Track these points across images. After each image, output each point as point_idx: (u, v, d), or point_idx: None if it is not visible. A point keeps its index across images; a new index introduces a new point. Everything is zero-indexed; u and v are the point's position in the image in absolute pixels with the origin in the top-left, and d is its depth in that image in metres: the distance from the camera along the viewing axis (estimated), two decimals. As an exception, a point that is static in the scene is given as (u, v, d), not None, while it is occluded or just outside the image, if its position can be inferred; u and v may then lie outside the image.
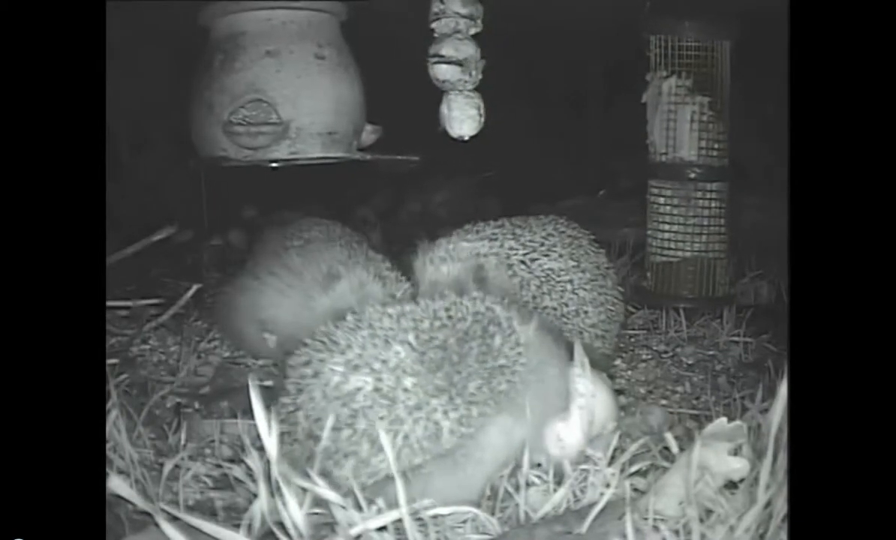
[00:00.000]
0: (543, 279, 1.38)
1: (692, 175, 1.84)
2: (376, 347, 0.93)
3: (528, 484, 0.95)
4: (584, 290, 1.39)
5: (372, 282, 1.38)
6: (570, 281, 1.39)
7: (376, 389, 0.90)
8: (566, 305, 1.38)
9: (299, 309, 1.37)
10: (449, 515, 0.89)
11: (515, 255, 1.39)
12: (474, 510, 0.90)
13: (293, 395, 0.94)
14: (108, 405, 1.04)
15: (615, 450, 1.01)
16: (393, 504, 0.83)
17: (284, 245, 1.49)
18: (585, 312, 1.38)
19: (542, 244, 1.40)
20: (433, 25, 1.72)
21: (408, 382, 0.90)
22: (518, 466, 0.94)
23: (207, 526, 0.81)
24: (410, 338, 0.94)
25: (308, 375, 0.94)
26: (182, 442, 1.10)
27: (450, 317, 0.97)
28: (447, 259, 1.40)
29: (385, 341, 0.93)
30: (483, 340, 0.95)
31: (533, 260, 1.39)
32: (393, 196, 3.03)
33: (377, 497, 0.85)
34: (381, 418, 0.89)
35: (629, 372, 1.53)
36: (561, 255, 1.40)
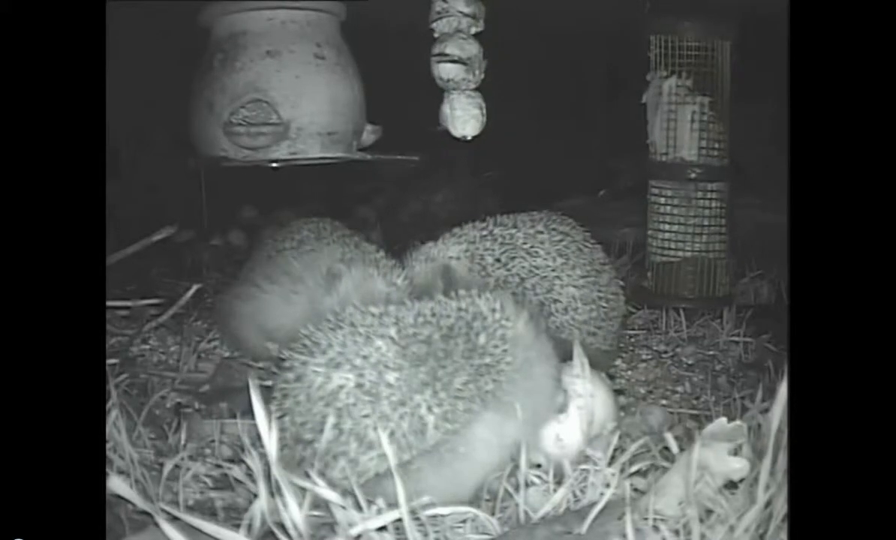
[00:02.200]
0: (524, 276, 1.38)
1: (693, 175, 1.84)
2: (357, 343, 0.93)
3: (528, 484, 0.95)
4: (575, 287, 1.39)
5: (373, 275, 1.37)
6: (559, 278, 1.38)
7: (358, 386, 0.90)
8: (556, 301, 1.38)
9: (306, 315, 1.36)
10: (448, 515, 0.89)
11: (491, 254, 1.40)
12: (474, 510, 0.90)
13: (279, 401, 0.94)
14: (108, 405, 1.04)
15: (615, 450, 1.01)
16: (391, 503, 0.83)
17: (277, 248, 1.48)
18: (575, 309, 1.38)
19: (525, 243, 1.40)
20: (433, 25, 1.72)
21: (390, 377, 0.90)
22: (517, 466, 0.94)
23: (207, 526, 0.81)
24: (392, 332, 0.93)
25: (291, 379, 0.94)
26: (182, 442, 1.10)
27: (434, 314, 0.97)
28: (422, 261, 1.41)
29: (366, 337, 0.93)
30: (468, 337, 0.95)
31: (512, 258, 1.39)
32: (393, 196, 3.03)
33: (369, 496, 0.85)
34: (366, 416, 0.89)
35: (629, 372, 1.53)
36: (548, 253, 1.39)
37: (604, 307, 1.42)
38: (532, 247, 1.40)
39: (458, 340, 0.94)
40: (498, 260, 1.39)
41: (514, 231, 1.42)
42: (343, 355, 0.92)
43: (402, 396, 0.90)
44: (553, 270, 1.39)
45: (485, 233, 1.43)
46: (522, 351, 0.97)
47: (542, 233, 1.42)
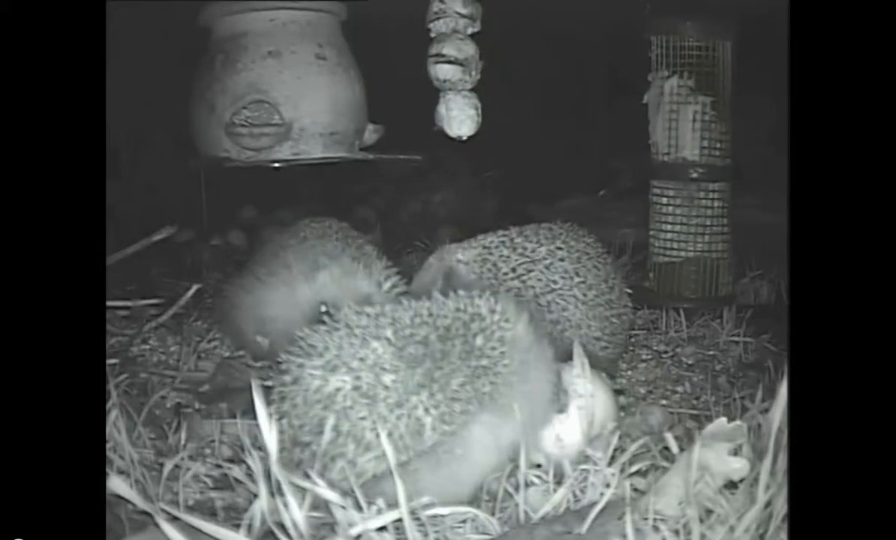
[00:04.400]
0: (539, 292, 1.35)
1: (694, 175, 1.84)
2: (353, 345, 0.92)
3: (528, 484, 0.95)
4: (588, 305, 1.36)
5: (357, 272, 1.37)
6: (575, 296, 1.36)
7: (355, 388, 0.90)
8: (569, 320, 1.35)
9: (288, 303, 1.37)
10: (448, 515, 0.89)
11: (506, 263, 1.37)
12: (474, 510, 0.90)
13: (277, 403, 0.94)
14: (108, 405, 1.04)
15: (615, 450, 1.01)
16: (391, 504, 0.83)
17: (282, 245, 1.48)
18: (589, 326, 1.36)
19: (547, 258, 1.37)
20: (430, 25, 1.73)
21: (387, 378, 0.90)
22: (517, 467, 0.94)
23: (207, 526, 0.81)
24: (388, 333, 0.93)
25: (288, 382, 0.93)
26: (182, 442, 1.10)
27: (431, 314, 0.96)
28: (433, 263, 1.40)
29: (362, 339, 0.93)
30: (465, 339, 0.94)
31: (529, 271, 1.36)
32: (393, 196, 3.04)
33: (368, 497, 0.85)
34: (363, 418, 0.88)
35: (629, 372, 1.52)
36: (566, 271, 1.37)
37: (615, 322, 1.40)
38: (551, 263, 1.37)
39: (455, 341, 0.94)
40: (513, 270, 1.36)
41: (535, 244, 1.38)
42: (339, 358, 0.92)
43: (399, 398, 0.89)
44: (570, 289, 1.36)
45: (504, 240, 1.40)
46: (520, 353, 0.97)
47: (561, 249, 1.39)
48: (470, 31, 1.72)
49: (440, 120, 1.75)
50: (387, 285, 1.37)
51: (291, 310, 1.34)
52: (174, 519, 0.81)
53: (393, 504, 0.82)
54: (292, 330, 1.00)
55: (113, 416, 1.03)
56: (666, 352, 1.64)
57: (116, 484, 0.83)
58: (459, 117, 1.72)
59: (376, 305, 0.99)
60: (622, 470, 0.96)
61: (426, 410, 0.90)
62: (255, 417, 0.86)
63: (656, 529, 0.82)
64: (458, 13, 1.69)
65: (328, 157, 1.91)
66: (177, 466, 1.01)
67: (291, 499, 0.82)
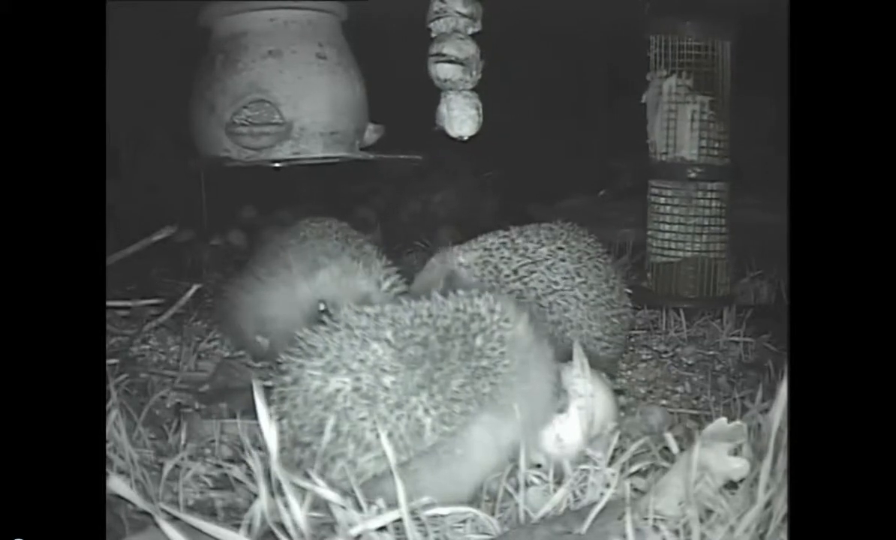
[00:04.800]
0: (541, 293, 1.35)
1: (693, 175, 1.84)
2: (353, 347, 0.92)
3: (528, 484, 0.95)
4: (589, 305, 1.36)
5: (356, 270, 1.37)
6: (576, 297, 1.36)
7: (355, 389, 0.90)
8: (570, 321, 1.35)
9: (288, 303, 1.37)
10: (448, 515, 0.89)
11: (507, 265, 1.37)
12: (474, 510, 0.90)
13: (277, 404, 0.94)
14: (108, 405, 1.04)
15: (615, 450, 1.01)
16: (391, 504, 0.83)
17: (282, 245, 1.49)
18: (590, 326, 1.36)
19: (548, 258, 1.36)
20: (431, 24, 1.73)
21: (387, 380, 0.90)
22: (517, 467, 0.94)
23: (207, 526, 0.81)
24: (388, 335, 0.93)
25: (288, 382, 0.93)
26: (182, 442, 1.10)
27: (430, 315, 0.96)
28: (435, 265, 1.40)
29: (362, 341, 0.93)
30: (465, 339, 0.94)
31: (531, 272, 1.36)
32: (392, 196, 3.04)
33: (368, 497, 0.85)
34: (363, 419, 0.88)
35: (629, 372, 1.52)
36: (567, 271, 1.36)
37: (615, 322, 1.40)
38: (552, 263, 1.37)
39: (455, 341, 0.94)
40: (515, 272, 1.36)
41: (538, 246, 1.38)
42: (339, 359, 0.92)
43: (399, 399, 0.89)
44: (571, 290, 1.36)
45: (505, 241, 1.40)
46: (520, 353, 0.97)
47: (562, 249, 1.38)
48: (470, 30, 1.72)
49: (441, 120, 1.75)
50: (386, 285, 1.38)
51: (291, 310, 1.34)
52: (174, 519, 0.81)
53: (393, 504, 0.82)
54: (292, 330, 1.00)
55: (113, 416, 1.03)
56: (666, 352, 1.64)
57: (116, 484, 0.83)
58: (461, 117, 1.72)
59: (376, 306, 0.99)
60: (622, 470, 0.96)
61: (426, 410, 0.90)
62: (255, 417, 0.86)
63: (656, 529, 0.82)
64: (459, 12, 1.69)
65: (328, 156, 1.91)
66: (177, 466, 1.01)
67: (292, 499, 0.82)
